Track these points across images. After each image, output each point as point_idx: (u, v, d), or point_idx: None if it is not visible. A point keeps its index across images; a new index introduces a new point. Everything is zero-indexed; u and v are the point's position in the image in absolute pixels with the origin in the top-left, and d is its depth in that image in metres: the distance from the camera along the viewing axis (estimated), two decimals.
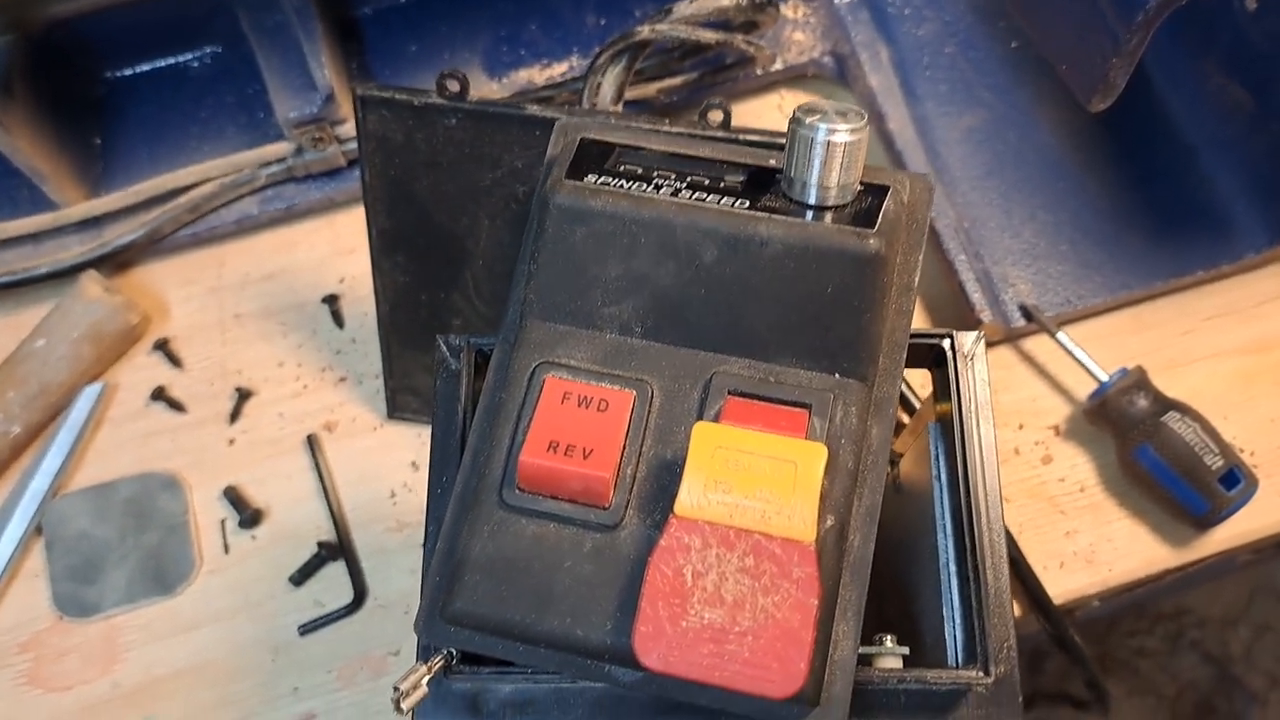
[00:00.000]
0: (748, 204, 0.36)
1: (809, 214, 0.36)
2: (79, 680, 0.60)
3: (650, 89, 0.67)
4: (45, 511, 0.63)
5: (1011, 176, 0.68)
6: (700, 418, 0.35)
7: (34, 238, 0.67)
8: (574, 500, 0.35)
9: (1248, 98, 0.66)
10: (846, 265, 0.35)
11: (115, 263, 0.68)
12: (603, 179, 0.37)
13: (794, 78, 0.72)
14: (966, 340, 0.42)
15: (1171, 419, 0.60)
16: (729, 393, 0.36)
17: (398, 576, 0.62)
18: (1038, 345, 0.66)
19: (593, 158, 0.38)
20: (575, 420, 0.35)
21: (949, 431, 0.42)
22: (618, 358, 0.36)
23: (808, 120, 0.34)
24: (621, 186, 0.36)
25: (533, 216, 0.38)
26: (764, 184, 0.37)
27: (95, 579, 0.62)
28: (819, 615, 0.32)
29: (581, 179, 0.37)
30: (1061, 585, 0.61)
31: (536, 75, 0.69)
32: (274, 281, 0.69)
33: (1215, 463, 0.59)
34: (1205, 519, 0.60)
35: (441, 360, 0.43)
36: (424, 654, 0.37)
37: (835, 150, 0.35)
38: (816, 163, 0.35)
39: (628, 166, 0.38)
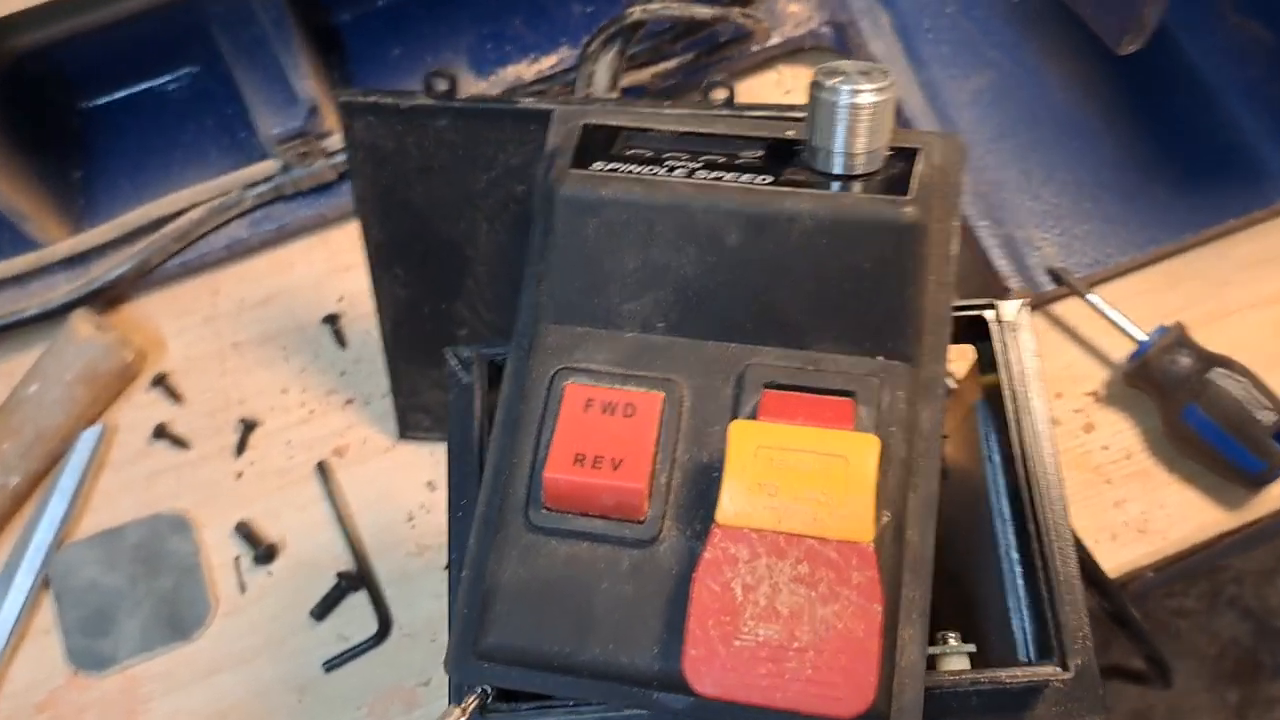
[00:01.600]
0: (769, 180, 0.33)
1: (836, 185, 0.33)
2: None
3: (644, 74, 0.64)
4: (51, 563, 0.61)
5: (1026, 137, 0.65)
6: (736, 416, 0.33)
7: (19, 280, 0.65)
8: (607, 516, 0.32)
9: (1268, 35, 0.63)
10: (882, 236, 0.32)
11: (105, 299, 0.66)
12: (611, 165, 0.34)
13: (792, 51, 0.70)
14: (1009, 309, 0.40)
15: (1218, 375, 0.57)
16: (765, 386, 0.33)
17: (422, 602, 0.60)
18: (1069, 309, 0.63)
19: (598, 144, 0.35)
20: (601, 428, 0.32)
21: (999, 408, 0.39)
22: (642, 357, 0.34)
23: (829, 83, 0.32)
24: (632, 171, 0.34)
25: (537, 213, 0.36)
26: (784, 157, 0.34)
27: (109, 630, 0.59)
28: (884, 622, 0.29)
29: (588, 167, 0.34)
30: (1115, 558, 0.59)
31: (525, 70, 0.66)
32: (271, 305, 0.67)
33: (1268, 418, 0.56)
34: (1260, 477, 0.57)
35: (452, 374, 0.40)
36: (457, 693, 0.35)
37: (861, 113, 0.32)
38: (841, 128, 0.32)
39: (636, 150, 0.35)
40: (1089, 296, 0.60)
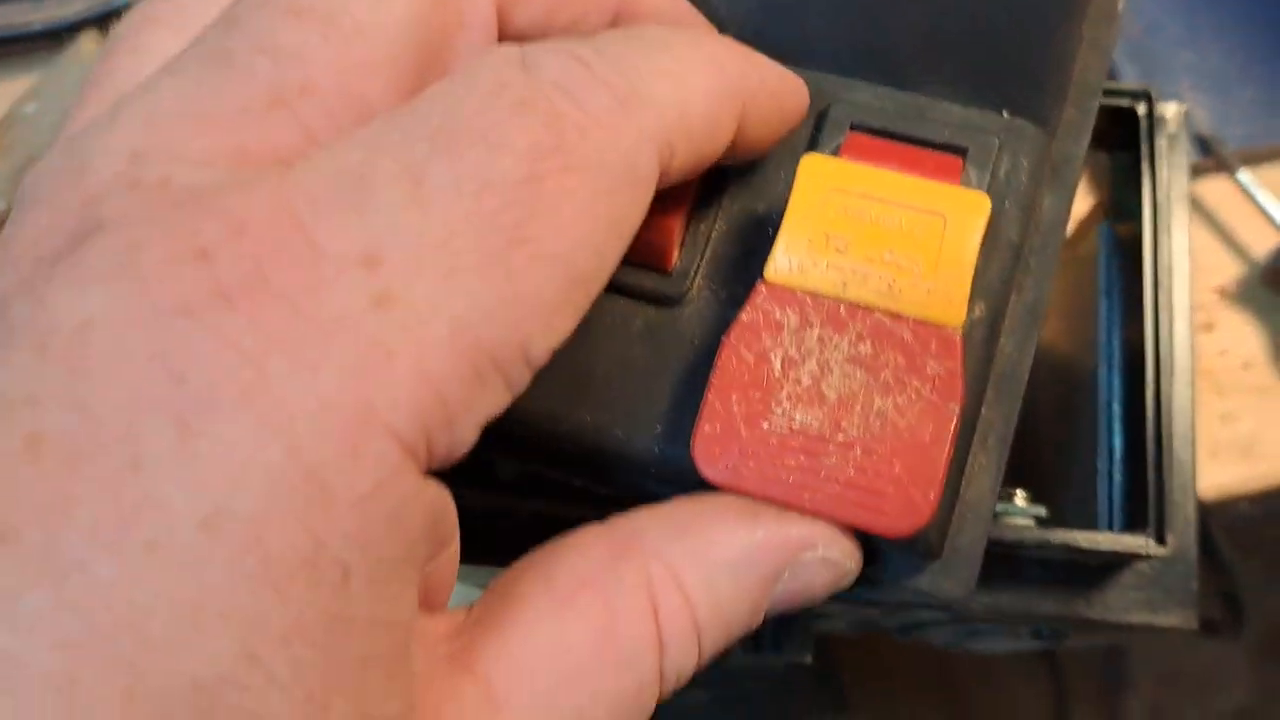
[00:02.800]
0: None
1: None
2: None
3: None
4: None
5: None
6: None
7: None
8: (625, 260, 0.25)
9: None
10: None
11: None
12: None
13: None
14: (1168, 110, 0.32)
15: None
16: (852, 127, 0.26)
17: None
18: (1211, 188, 0.54)
19: None
20: None
21: (1132, 232, 0.32)
22: None
23: None
24: None
25: None
26: None
27: None
28: (958, 427, 0.22)
29: None
30: (1211, 478, 0.51)
31: None
32: None
33: None
34: None
35: None
36: None
37: None
38: None
39: None
40: (1238, 174, 0.51)
